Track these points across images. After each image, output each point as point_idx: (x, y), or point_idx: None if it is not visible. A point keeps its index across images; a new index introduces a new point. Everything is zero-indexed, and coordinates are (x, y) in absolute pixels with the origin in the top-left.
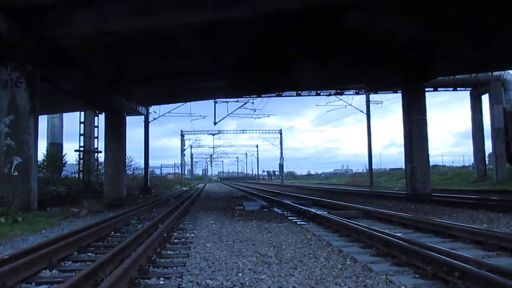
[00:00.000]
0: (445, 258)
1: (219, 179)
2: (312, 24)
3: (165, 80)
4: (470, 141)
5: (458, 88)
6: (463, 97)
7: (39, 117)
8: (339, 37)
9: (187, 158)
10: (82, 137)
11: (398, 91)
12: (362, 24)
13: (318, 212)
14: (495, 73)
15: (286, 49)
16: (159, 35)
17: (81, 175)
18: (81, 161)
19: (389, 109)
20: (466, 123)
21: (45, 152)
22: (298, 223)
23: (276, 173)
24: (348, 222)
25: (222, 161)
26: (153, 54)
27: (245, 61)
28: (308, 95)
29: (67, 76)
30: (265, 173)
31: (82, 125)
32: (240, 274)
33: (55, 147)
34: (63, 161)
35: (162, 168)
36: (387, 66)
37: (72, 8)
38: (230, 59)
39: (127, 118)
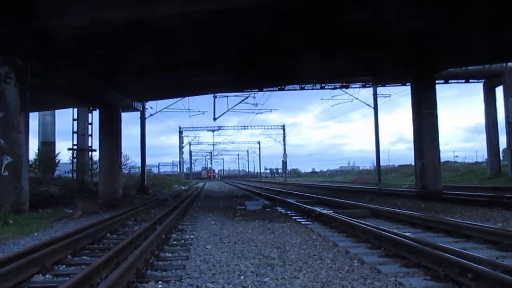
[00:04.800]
0: (457, 259)
1: (219, 177)
2: (315, 15)
3: (162, 74)
4: (482, 136)
5: (470, 80)
6: (473, 91)
7: (30, 114)
8: (343, 28)
9: (186, 156)
10: (75, 135)
11: (407, 84)
12: (368, 14)
13: (324, 211)
14: (510, 64)
15: (287, 41)
16: (157, 26)
17: (74, 175)
18: (75, 160)
19: (397, 103)
20: (477, 117)
21: (37, 151)
22: (303, 223)
23: (279, 170)
24: (355, 221)
25: (223, 159)
26: (150, 47)
27: (245, 53)
28: (312, 89)
29: (60, 71)
30: (268, 171)
31: (75, 122)
32: (242, 277)
33: (47, 146)
34: (56, 160)
35: (160, 167)
36: (395, 57)
37: None
38: (230, 52)
39: (123, 114)
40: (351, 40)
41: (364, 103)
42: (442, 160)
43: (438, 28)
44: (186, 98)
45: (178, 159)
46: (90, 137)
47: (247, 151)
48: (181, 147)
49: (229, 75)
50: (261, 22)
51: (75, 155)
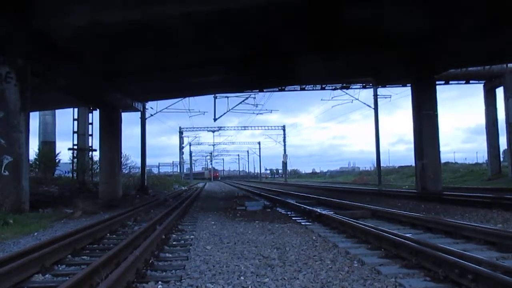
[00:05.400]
0: (457, 259)
1: (219, 178)
2: (314, 15)
3: (162, 74)
4: (483, 137)
5: (470, 81)
6: (474, 92)
7: (31, 114)
8: (343, 28)
9: (186, 157)
10: (75, 135)
11: (407, 85)
12: (368, 14)
13: (324, 212)
14: (510, 65)
15: (287, 41)
16: (157, 26)
17: (75, 175)
18: (75, 160)
19: (397, 104)
20: (477, 118)
21: (37, 151)
22: (303, 223)
23: (279, 171)
24: (355, 222)
25: (223, 159)
26: (150, 47)
27: (245, 53)
28: (313, 89)
29: (60, 71)
30: (268, 172)
31: (75, 122)
32: (242, 278)
33: (48, 146)
34: (56, 160)
35: (160, 167)
36: (395, 58)
37: None
38: (230, 52)
39: (123, 114)
40: (351, 40)
41: (365, 104)
42: (442, 161)
43: (438, 28)
44: (187, 99)
45: (178, 160)
46: (90, 137)
47: (247, 151)
48: (181, 148)
49: (229, 76)
50: (261, 22)
51: (75, 155)
